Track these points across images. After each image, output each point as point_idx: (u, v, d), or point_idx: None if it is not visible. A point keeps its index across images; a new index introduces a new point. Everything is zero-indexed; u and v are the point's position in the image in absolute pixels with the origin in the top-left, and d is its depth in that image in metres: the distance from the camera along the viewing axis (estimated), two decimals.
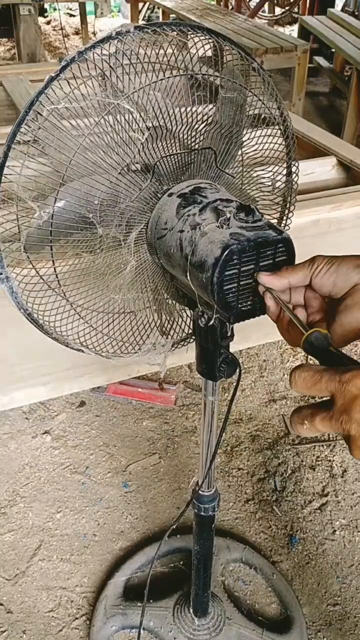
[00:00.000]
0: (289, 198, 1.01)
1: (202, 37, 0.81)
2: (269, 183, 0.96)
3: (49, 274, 0.88)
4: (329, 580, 1.58)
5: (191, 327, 1.02)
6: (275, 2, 7.14)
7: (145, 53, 0.78)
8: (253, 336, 2.21)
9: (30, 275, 0.87)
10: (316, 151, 2.45)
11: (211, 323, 0.85)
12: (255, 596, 1.55)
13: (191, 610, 1.39)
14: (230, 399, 0.96)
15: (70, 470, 1.85)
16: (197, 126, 0.85)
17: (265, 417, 2.04)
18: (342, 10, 6.09)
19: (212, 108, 0.87)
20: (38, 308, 0.89)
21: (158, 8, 6.00)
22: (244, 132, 0.91)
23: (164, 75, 0.78)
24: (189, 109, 0.83)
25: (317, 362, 0.70)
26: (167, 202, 0.84)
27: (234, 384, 0.94)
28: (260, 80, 0.88)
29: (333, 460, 1.89)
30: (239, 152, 0.92)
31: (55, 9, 7.02)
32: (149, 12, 7.10)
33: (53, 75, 0.74)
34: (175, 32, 0.78)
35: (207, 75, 0.83)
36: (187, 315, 1.02)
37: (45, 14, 7.18)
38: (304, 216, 1.99)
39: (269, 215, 1.02)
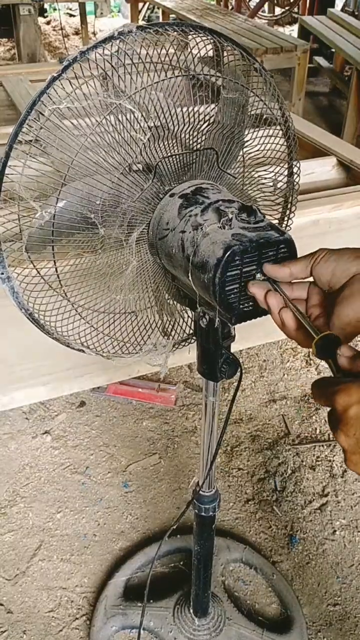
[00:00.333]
0: (291, 198, 1.01)
1: (204, 38, 0.81)
2: (271, 183, 0.96)
3: (50, 274, 0.88)
4: (329, 580, 1.59)
5: (192, 327, 1.02)
6: (275, 2, 7.14)
7: (147, 53, 0.78)
8: (253, 336, 2.21)
9: (31, 276, 0.87)
10: (316, 151, 2.45)
11: (215, 324, 0.85)
12: (255, 596, 1.55)
13: (191, 611, 1.39)
14: (231, 400, 0.96)
15: (70, 470, 1.85)
16: (198, 126, 0.85)
17: (265, 417, 2.04)
18: (342, 10, 6.09)
19: (213, 108, 0.87)
20: (39, 308, 0.89)
21: (158, 8, 6.00)
22: (246, 133, 0.91)
23: (166, 76, 0.78)
24: (190, 109, 0.83)
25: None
26: (168, 203, 0.84)
27: (235, 384, 0.94)
28: (261, 81, 0.88)
29: (333, 460, 1.89)
30: (241, 153, 0.92)
31: (55, 9, 7.02)
32: (148, 12, 7.10)
33: (55, 75, 0.74)
34: (177, 32, 0.78)
35: (208, 75, 0.83)
36: (189, 316, 1.02)
37: (45, 14, 7.17)
38: (304, 216, 1.99)
39: (270, 215, 1.02)
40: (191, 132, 0.85)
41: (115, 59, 0.75)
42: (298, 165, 0.98)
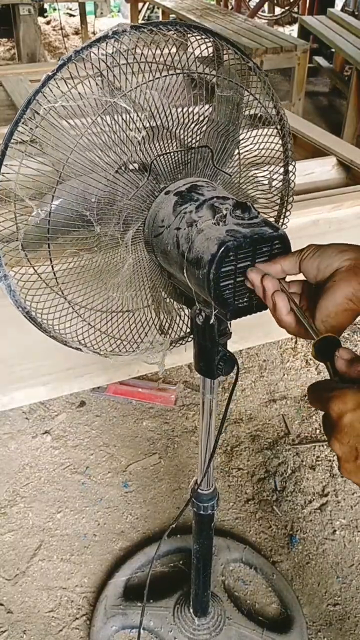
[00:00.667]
0: (287, 197, 1.01)
1: (198, 37, 0.81)
2: (266, 182, 0.96)
3: (47, 272, 0.88)
4: (329, 580, 1.58)
5: (189, 325, 1.02)
6: (275, 2, 7.14)
7: (142, 52, 0.78)
8: (253, 336, 2.20)
9: (28, 274, 0.87)
10: (316, 151, 2.45)
11: (210, 321, 0.85)
12: (255, 596, 1.55)
13: (191, 610, 1.39)
14: (229, 394, 0.96)
15: (70, 470, 1.85)
16: (193, 125, 0.85)
17: (265, 417, 2.04)
18: (342, 10, 6.08)
19: (208, 107, 0.87)
20: (37, 306, 0.89)
21: (158, 8, 6.00)
22: (241, 131, 0.91)
23: (160, 74, 0.78)
24: (185, 107, 0.83)
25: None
26: (164, 200, 0.84)
27: (233, 382, 0.94)
28: (256, 80, 0.88)
29: (333, 460, 1.89)
30: (237, 151, 0.92)
31: (55, 9, 7.02)
32: (148, 12, 7.10)
33: (50, 74, 0.74)
34: (172, 32, 0.78)
35: (203, 74, 0.83)
36: (185, 314, 1.03)
37: (45, 14, 7.18)
38: (304, 216, 1.99)
39: (266, 214, 1.02)
40: (186, 130, 0.85)
41: (110, 58, 0.75)
42: (293, 163, 0.98)
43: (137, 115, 0.77)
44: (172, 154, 0.84)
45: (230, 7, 7.05)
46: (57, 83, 0.75)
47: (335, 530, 1.69)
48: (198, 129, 0.86)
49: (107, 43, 0.75)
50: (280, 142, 0.94)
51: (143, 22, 6.13)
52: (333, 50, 4.80)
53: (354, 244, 0.73)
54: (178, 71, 0.79)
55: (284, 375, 2.20)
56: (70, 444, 1.93)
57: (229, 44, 0.83)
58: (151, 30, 0.76)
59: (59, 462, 1.87)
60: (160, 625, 1.41)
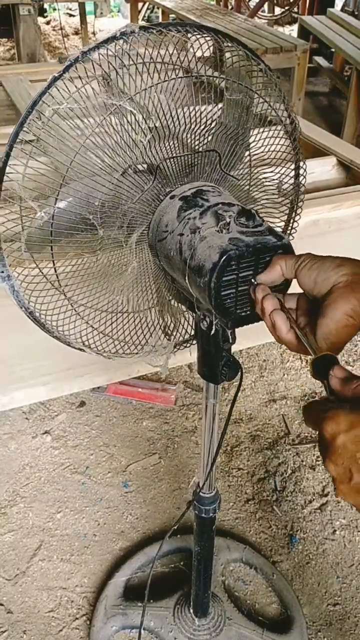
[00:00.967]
0: (297, 201, 1.00)
1: (208, 39, 0.81)
2: (276, 186, 0.96)
3: (50, 274, 0.88)
4: (329, 580, 1.59)
5: (194, 328, 1.02)
6: (275, 2, 7.13)
7: (150, 55, 0.77)
8: (253, 336, 2.20)
9: (32, 275, 0.87)
10: (316, 151, 2.45)
11: (213, 328, 0.85)
12: (255, 596, 1.55)
13: (191, 611, 1.39)
14: (232, 403, 0.95)
15: (70, 470, 1.85)
16: (201, 128, 0.85)
17: (265, 417, 2.04)
18: (342, 10, 6.08)
19: (217, 110, 0.87)
20: (40, 307, 0.89)
21: (158, 8, 5.99)
22: (251, 135, 0.91)
23: (168, 77, 0.78)
24: (192, 110, 0.83)
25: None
26: (169, 205, 0.83)
27: (235, 384, 0.94)
28: (268, 82, 0.88)
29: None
30: (246, 154, 0.92)
31: (54, 9, 7.01)
32: (148, 12, 7.09)
33: (56, 75, 0.74)
34: (180, 33, 0.77)
35: (212, 77, 0.83)
36: (191, 317, 1.02)
37: (45, 14, 7.17)
38: (304, 216, 1.98)
39: (276, 217, 1.02)
40: (193, 134, 0.84)
41: (118, 59, 0.75)
42: (304, 167, 0.98)
43: (143, 118, 0.77)
44: (178, 157, 0.84)
45: (230, 7, 7.04)
46: (64, 83, 0.75)
47: (335, 530, 1.70)
48: (206, 132, 0.85)
49: (115, 44, 0.75)
50: (291, 145, 0.94)
51: (144, 22, 6.12)
52: (333, 50, 4.80)
53: (350, 257, 0.72)
54: (186, 73, 0.79)
55: (284, 375, 2.20)
56: (70, 444, 1.93)
57: (242, 46, 0.83)
58: (160, 32, 0.76)
59: (59, 462, 1.87)
60: (160, 625, 1.41)
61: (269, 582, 1.57)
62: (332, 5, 6.45)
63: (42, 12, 6.98)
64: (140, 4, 6.53)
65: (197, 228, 0.78)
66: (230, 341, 0.88)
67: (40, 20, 6.51)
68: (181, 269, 0.79)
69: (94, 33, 6.68)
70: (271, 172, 0.96)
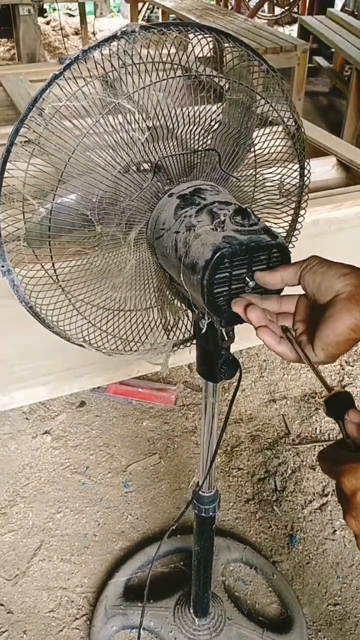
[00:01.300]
0: (301, 202, 1.00)
1: (210, 39, 0.81)
2: (278, 187, 0.96)
3: (48, 269, 0.88)
4: (329, 580, 1.58)
5: (193, 328, 1.01)
6: (275, 2, 7.13)
7: (149, 53, 0.77)
8: (253, 336, 2.20)
9: (33, 270, 0.87)
10: (316, 151, 2.45)
11: (203, 329, 0.84)
12: (255, 596, 1.55)
13: (191, 611, 1.39)
14: (230, 401, 0.95)
15: (70, 470, 1.85)
16: (200, 128, 0.85)
17: (265, 417, 2.04)
18: (342, 10, 6.08)
19: (216, 110, 0.87)
20: (42, 302, 0.89)
21: (158, 8, 5.99)
22: (254, 136, 0.91)
23: (167, 76, 0.78)
24: (191, 109, 0.83)
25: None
26: (167, 203, 0.83)
27: (234, 384, 0.94)
28: (271, 83, 0.88)
29: None
30: (250, 155, 0.92)
31: (54, 9, 7.02)
32: (148, 12, 7.09)
33: (57, 73, 0.74)
34: (182, 33, 0.77)
35: (212, 76, 0.82)
36: (192, 316, 1.02)
37: (45, 14, 7.17)
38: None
39: (279, 218, 1.02)
40: (192, 133, 0.84)
41: (119, 58, 0.75)
42: (309, 168, 0.98)
43: (142, 117, 0.77)
44: (177, 156, 0.84)
45: (230, 7, 7.04)
46: (66, 81, 0.74)
47: (335, 530, 1.70)
48: (206, 131, 0.85)
49: (117, 43, 0.74)
50: (294, 145, 0.94)
51: (144, 22, 6.12)
52: (333, 50, 4.80)
53: (357, 266, 0.70)
54: (186, 73, 0.79)
55: (284, 375, 2.20)
56: (70, 444, 1.93)
57: (243, 46, 0.83)
58: (161, 31, 0.76)
59: (59, 462, 1.87)
60: (160, 625, 1.41)
61: (269, 582, 1.57)
62: (332, 5, 6.45)
63: (42, 12, 6.99)
64: (140, 4, 6.53)
65: (193, 226, 0.78)
66: (228, 339, 0.88)
67: (40, 20, 6.51)
68: (176, 267, 0.79)
69: (93, 33, 6.68)
70: (275, 172, 0.96)
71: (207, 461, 1.10)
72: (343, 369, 2.22)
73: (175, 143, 0.83)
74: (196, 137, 0.86)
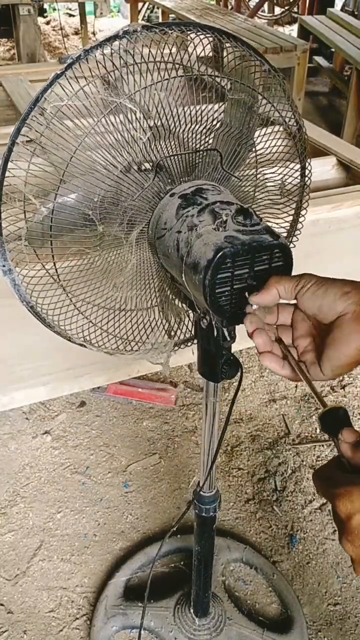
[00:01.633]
0: (301, 202, 1.00)
1: (211, 39, 0.81)
2: (279, 187, 0.96)
3: (49, 268, 0.88)
4: (329, 580, 1.58)
5: (194, 328, 1.01)
6: (275, 1, 7.13)
7: (153, 54, 0.77)
8: None
9: (34, 269, 0.87)
10: (316, 151, 2.45)
11: (206, 325, 0.84)
12: (255, 596, 1.55)
13: (192, 611, 1.39)
14: (232, 401, 0.95)
15: (70, 470, 1.85)
16: (202, 127, 0.85)
17: (265, 417, 2.04)
18: (342, 10, 6.09)
19: (218, 109, 0.87)
20: (43, 302, 0.89)
21: (158, 8, 5.99)
22: (255, 136, 0.91)
23: (169, 75, 0.78)
24: (194, 109, 0.83)
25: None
26: (168, 202, 0.83)
27: (234, 384, 0.94)
28: (273, 83, 0.88)
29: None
30: (252, 156, 0.92)
31: (54, 9, 7.02)
32: (148, 12, 7.09)
33: (59, 72, 0.74)
34: (184, 33, 0.77)
35: (215, 76, 0.82)
36: (193, 316, 1.02)
37: (45, 14, 7.17)
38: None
39: (281, 218, 1.02)
40: (194, 133, 0.84)
41: (120, 58, 0.75)
42: (310, 167, 0.98)
43: (143, 116, 0.77)
44: (179, 156, 0.84)
45: (230, 7, 7.05)
46: (69, 81, 0.75)
47: (335, 530, 1.70)
48: (207, 131, 0.85)
49: (119, 43, 0.74)
50: (295, 146, 0.94)
51: (144, 22, 6.12)
52: (333, 50, 4.80)
53: (355, 281, 0.69)
54: (188, 72, 0.79)
55: None
56: (71, 444, 1.93)
57: (245, 46, 0.83)
58: (162, 31, 0.76)
59: (59, 462, 1.87)
60: (160, 625, 1.41)
61: (269, 582, 1.57)
62: (332, 5, 6.46)
63: (42, 12, 6.99)
64: (140, 4, 6.53)
65: (195, 225, 0.78)
66: (229, 339, 0.87)
67: (40, 20, 6.51)
68: (178, 266, 0.79)
69: (93, 33, 6.68)
70: (276, 172, 0.96)
71: (208, 461, 1.10)
72: None
73: (176, 143, 0.83)
74: (198, 137, 0.86)
